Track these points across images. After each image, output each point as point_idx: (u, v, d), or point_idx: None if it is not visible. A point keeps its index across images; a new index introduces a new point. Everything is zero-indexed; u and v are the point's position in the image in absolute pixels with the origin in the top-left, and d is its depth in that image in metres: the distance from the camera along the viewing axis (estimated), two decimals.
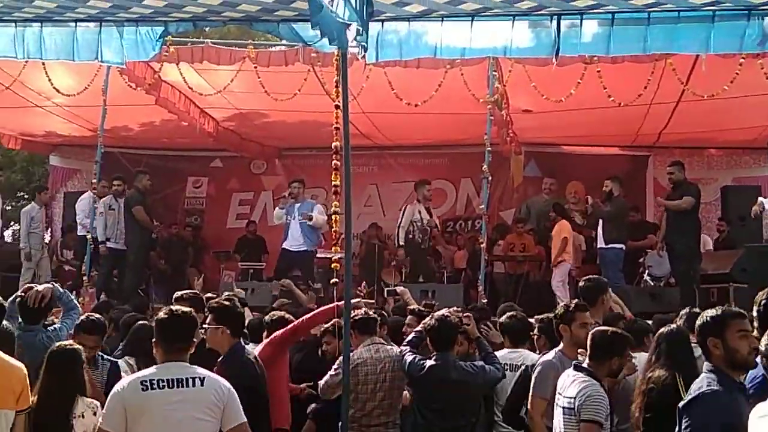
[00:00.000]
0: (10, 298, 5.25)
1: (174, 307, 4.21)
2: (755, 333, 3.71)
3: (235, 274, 13.46)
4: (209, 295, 6.82)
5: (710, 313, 3.76)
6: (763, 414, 3.09)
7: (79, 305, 5.91)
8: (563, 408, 4.44)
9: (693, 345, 4.30)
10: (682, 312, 5.65)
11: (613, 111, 10.62)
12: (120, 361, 5.46)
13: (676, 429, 3.55)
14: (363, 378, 5.39)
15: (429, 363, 5.27)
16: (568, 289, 11.10)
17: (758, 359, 3.46)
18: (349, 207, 5.38)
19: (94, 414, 4.20)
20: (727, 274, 9.53)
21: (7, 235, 18.51)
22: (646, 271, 11.95)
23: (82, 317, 5.45)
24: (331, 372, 5.45)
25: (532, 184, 14.45)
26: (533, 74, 9.63)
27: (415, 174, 15.56)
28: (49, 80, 10.66)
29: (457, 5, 5.96)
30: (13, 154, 20.74)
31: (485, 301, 9.15)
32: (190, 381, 3.86)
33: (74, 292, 10.35)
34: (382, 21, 6.39)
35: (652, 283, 11.66)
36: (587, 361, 4.49)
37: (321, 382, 5.54)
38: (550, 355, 5.07)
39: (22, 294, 5.36)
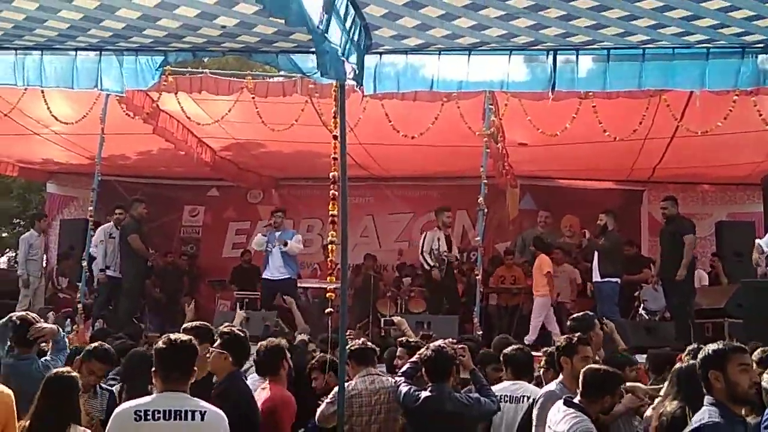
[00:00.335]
0: (1, 321, 5.24)
1: (173, 336, 4.04)
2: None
3: (231, 304, 13.44)
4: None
5: (712, 346, 3.78)
6: None
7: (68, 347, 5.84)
8: None
9: None
10: (689, 348, 5.67)
11: (608, 146, 10.69)
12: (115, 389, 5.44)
13: None
14: (357, 410, 5.36)
15: (424, 394, 5.24)
16: (554, 321, 11.13)
17: None
18: (346, 237, 5.39)
19: None
20: (722, 309, 9.54)
21: (2, 261, 18.51)
22: (642, 305, 11.96)
23: (96, 344, 5.44)
24: (327, 400, 5.42)
25: (527, 217, 14.51)
26: (529, 108, 9.71)
27: (411, 205, 15.68)
28: (48, 108, 10.72)
29: (455, 39, 6.03)
30: (9, 181, 20.80)
31: (480, 333, 9.15)
32: (189, 414, 3.70)
33: (69, 320, 10.43)
34: (380, 53, 6.45)
35: (648, 318, 11.66)
36: (578, 397, 4.49)
37: (318, 411, 5.51)
38: (552, 386, 5.08)
39: (18, 320, 5.33)
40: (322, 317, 9.50)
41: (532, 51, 6.45)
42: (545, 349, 5.94)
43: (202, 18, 5.56)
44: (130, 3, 5.37)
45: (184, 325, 5.73)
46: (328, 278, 6.22)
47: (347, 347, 5.58)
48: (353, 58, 5.42)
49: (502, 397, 5.61)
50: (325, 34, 4.67)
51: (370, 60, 6.32)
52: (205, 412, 3.76)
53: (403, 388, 5.36)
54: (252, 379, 5.73)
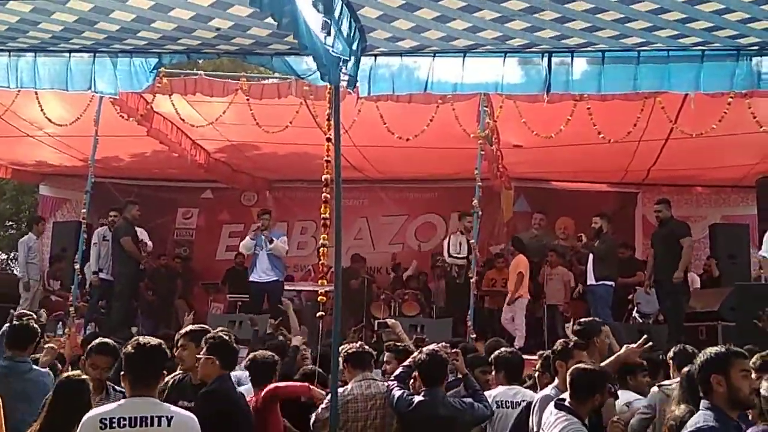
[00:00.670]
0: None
1: (142, 340, 3.98)
2: None
3: (224, 306, 13.40)
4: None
5: (714, 350, 3.79)
6: None
7: None
8: None
9: None
10: (674, 349, 5.66)
11: (602, 148, 10.69)
12: None
13: None
14: (353, 415, 5.32)
15: (417, 398, 5.22)
16: (524, 323, 11.07)
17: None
18: (340, 240, 5.38)
19: None
20: (716, 312, 9.54)
21: None
22: (635, 308, 11.96)
23: (94, 342, 5.41)
24: (323, 405, 5.38)
25: (521, 219, 14.50)
26: (524, 110, 9.70)
27: (405, 208, 15.67)
28: (42, 110, 10.67)
29: (450, 41, 6.03)
30: (2, 183, 20.71)
31: (473, 336, 9.13)
32: (156, 420, 3.65)
33: (61, 323, 10.39)
34: (375, 55, 6.45)
35: (641, 320, 11.66)
36: (568, 399, 4.48)
37: (313, 416, 5.48)
38: (547, 390, 5.07)
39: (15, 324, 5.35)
40: (315, 320, 9.45)
41: (527, 53, 6.46)
42: (541, 352, 5.93)
43: (196, 20, 5.54)
44: (124, 5, 5.35)
45: (183, 329, 5.74)
46: (320, 281, 6.20)
47: (345, 350, 5.57)
48: (347, 60, 5.41)
49: (502, 402, 5.60)
50: (320, 36, 4.66)
51: (364, 62, 6.32)
52: (172, 417, 3.71)
53: (396, 393, 5.33)
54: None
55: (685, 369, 4.74)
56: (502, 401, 5.61)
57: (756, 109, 9.34)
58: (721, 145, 10.97)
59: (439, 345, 5.64)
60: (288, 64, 6.44)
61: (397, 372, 5.63)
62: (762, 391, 3.43)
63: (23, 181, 18.47)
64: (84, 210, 10.53)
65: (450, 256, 11.50)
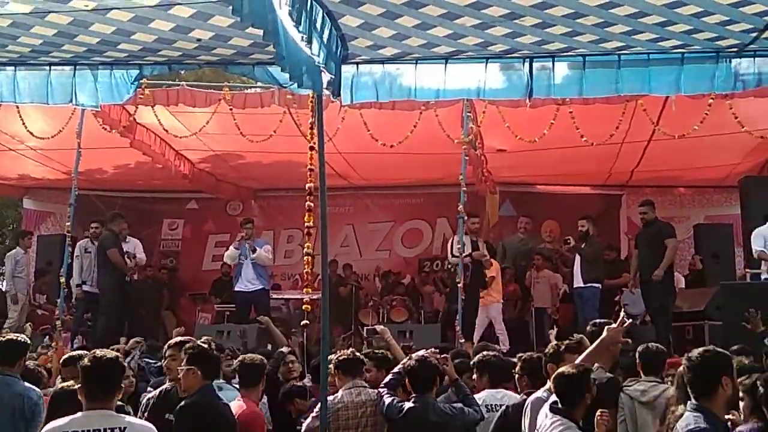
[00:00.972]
0: None
1: (99, 353, 3.94)
2: None
3: (211, 317, 13.34)
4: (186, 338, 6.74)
5: (718, 351, 3.77)
6: None
7: None
8: None
9: None
10: (639, 348, 5.61)
11: (585, 150, 10.74)
12: None
13: None
14: (344, 423, 5.30)
15: (407, 405, 5.20)
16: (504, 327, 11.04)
17: None
18: (326, 247, 5.37)
19: None
20: (702, 311, 9.58)
21: None
22: (622, 310, 11.98)
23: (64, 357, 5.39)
24: (313, 414, 5.37)
25: (507, 223, 14.52)
26: (507, 115, 9.75)
27: (391, 214, 15.67)
28: (24, 124, 10.63)
29: (431, 48, 6.04)
30: None
31: (462, 341, 9.13)
32: None
33: (48, 337, 10.32)
34: (357, 63, 6.45)
35: (628, 321, 11.67)
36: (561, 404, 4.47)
37: (303, 425, 5.46)
38: (539, 392, 5.06)
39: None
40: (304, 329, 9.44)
41: (508, 59, 6.48)
42: (520, 355, 5.90)
43: (177, 31, 5.53)
44: (104, 18, 5.34)
45: (170, 341, 5.72)
46: (304, 289, 6.18)
47: (336, 357, 5.55)
48: (329, 69, 5.42)
49: (491, 406, 5.58)
50: (302, 45, 4.67)
51: (347, 70, 6.33)
52: (125, 428, 3.67)
53: (386, 400, 5.31)
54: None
55: (680, 369, 4.73)
56: (490, 404, 5.60)
57: (737, 110, 9.42)
58: (703, 146, 11.06)
59: (428, 350, 5.63)
60: (270, 74, 6.44)
61: (387, 379, 5.61)
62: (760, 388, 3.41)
63: (6, 195, 18.34)
64: (68, 223, 10.48)
65: (453, 256, 11.40)
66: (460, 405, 5.36)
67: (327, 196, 5.41)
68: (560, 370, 4.66)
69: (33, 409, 5.09)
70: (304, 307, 5.97)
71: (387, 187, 15.33)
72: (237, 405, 5.40)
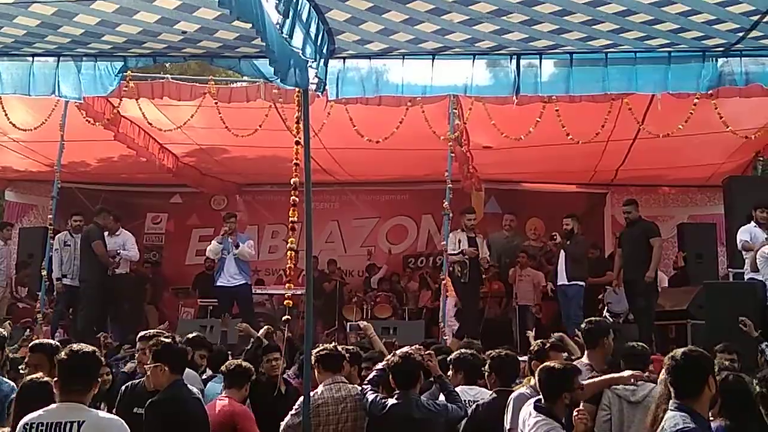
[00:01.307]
0: None
1: (75, 346, 3.98)
2: None
3: (194, 311, 13.28)
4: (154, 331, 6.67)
5: (701, 351, 3.76)
6: None
7: None
8: None
9: None
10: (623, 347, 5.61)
11: (571, 148, 10.74)
12: None
13: None
14: (324, 419, 5.29)
15: (391, 402, 5.20)
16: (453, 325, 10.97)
17: None
18: (311, 243, 5.34)
19: None
20: (685, 310, 9.62)
21: None
22: (606, 308, 12.03)
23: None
24: (292, 412, 5.35)
25: (492, 220, 14.52)
26: (493, 112, 9.74)
27: (376, 210, 15.64)
28: (6, 115, 10.51)
29: (418, 44, 6.02)
30: None
31: (446, 338, 9.13)
32: (68, 426, 3.63)
33: (28, 330, 10.21)
34: (344, 58, 6.43)
35: (612, 320, 11.72)
36: (544, 401, 4.48)
37: (282, 423, 5.44)
38: (523, 388, 5.09)
39: None
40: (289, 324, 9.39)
41: (495, 56, 6.47)
42: (490, 352, 5.89)
43: (162, 23, 5.48)
44: (88, 9, 5.28)
45: (140, 333, 5.70)
46: (287, 285, 6.15)
47: (317, 351, 5.53)
48: (316, 63, 5.38)
49: (466, 402, 5.58)
50: (288, 39, 4.63)
51: (333, 65, 6.30)
52: (83, 422, 3.66)
53: (370, 396, 5.31)
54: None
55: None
56: (464, 401, 5.58)
57: (722, 109, 9.45)
58: (687, 146, 11.10)
59: (413, 347, 5.62)
60: (256, 67, 6.40)
61: (370, 375, 5.60)
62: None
63: None
64: (51, 216, 10.40)
65: (450, 254, 11.34)
66: (443, 401, 5.36)
67: (312, 192, 5.38)
68: (547, 363, 4.69)
69: (2, 401, 5.06)
70: (285, 302, 5.94)
71: (372, 183, 15.29)
72: (222, 403, 5.41)
